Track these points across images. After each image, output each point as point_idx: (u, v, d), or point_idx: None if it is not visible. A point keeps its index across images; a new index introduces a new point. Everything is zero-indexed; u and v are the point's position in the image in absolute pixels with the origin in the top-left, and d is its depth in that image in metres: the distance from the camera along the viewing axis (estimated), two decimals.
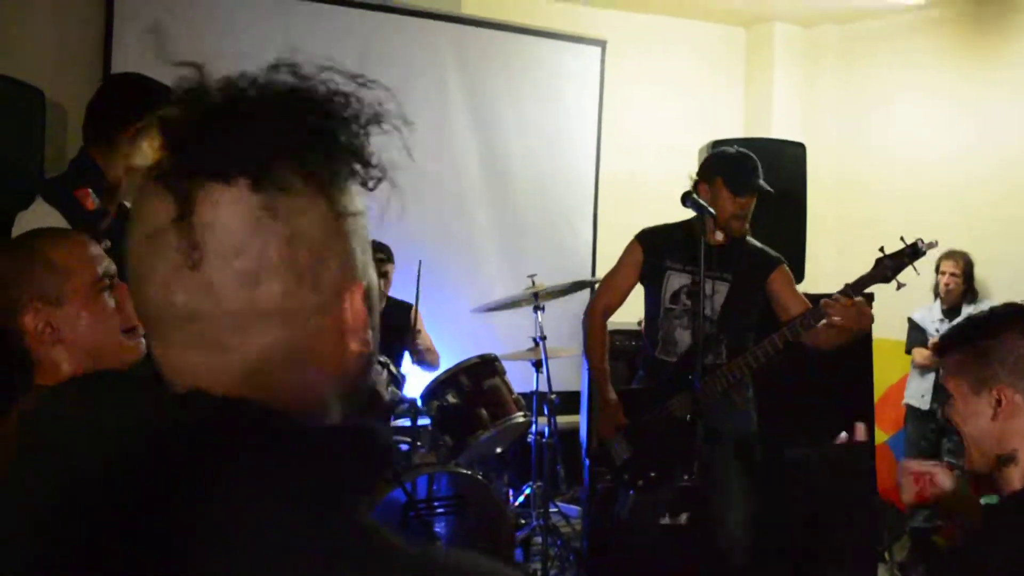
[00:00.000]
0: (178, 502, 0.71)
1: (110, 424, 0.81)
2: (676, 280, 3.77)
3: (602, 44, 6.10)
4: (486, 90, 5.69)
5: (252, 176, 0.75)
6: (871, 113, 6.92)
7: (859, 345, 4.99)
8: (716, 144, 5.47)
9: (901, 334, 6.01)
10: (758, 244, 3.80)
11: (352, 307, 0.82)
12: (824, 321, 3.39)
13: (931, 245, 3.47)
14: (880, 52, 6.88)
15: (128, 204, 2.82)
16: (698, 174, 3.78)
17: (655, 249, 3.83)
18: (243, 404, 0.77)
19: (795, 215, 5.51)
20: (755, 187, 3.66)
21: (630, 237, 3.94)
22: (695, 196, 3.54)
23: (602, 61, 6.10)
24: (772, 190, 3.73)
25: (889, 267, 3.46)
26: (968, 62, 6.41)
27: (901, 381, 6.14)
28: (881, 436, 6.01)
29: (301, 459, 0.74)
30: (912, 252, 3.45)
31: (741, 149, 3.83)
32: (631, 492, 3.87)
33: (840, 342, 3.47)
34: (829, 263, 6.39)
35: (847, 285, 3.44)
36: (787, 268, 3.83)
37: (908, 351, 6.00)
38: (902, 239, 3.48)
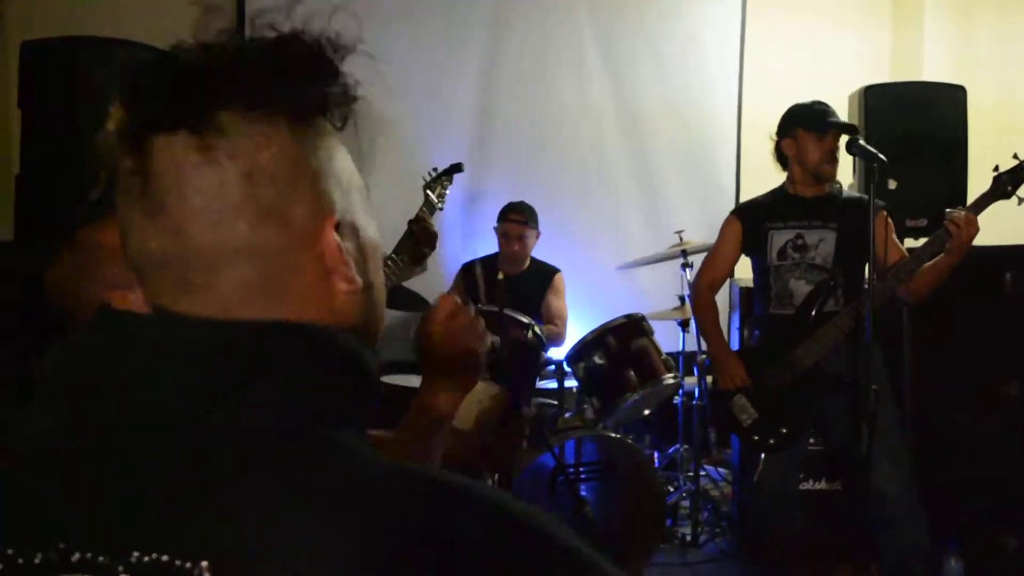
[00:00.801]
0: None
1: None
2: (780, 237, 3.76)
3: None
4: (623, 41, 5.51)
5: (191, 125, 0.76)
6: None
7: None
8: (868, 89, 5.20)
9: None
10: (854, 194, 3.82)
11: (327, 243, 0.80)
12: (948, 243, 3.39)
13: None
14: None
15: None
16: (777, 133, 3.80)
17: (752, 217, 3.85)
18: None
19: (956, 160, 5.20)
20: (834, 123, 3.68)
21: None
22: (860, 142, 3.39)
23: (743, 7, 5.83)
24: (854, 125, 3.81)
25: (1008, 182, 3.48)
26: None
27: None
28: None
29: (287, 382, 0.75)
30: None
31: (815, 101, 3.83)
32: (762, 455, 3.84)
33: (943, 274, 3.49)
34: (991, 209, 6.02)
35: (969, 205, 3.49)
36: (887, 214, 3.76)
37: None
38: (1015, 156, 3.50)
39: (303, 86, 0.79)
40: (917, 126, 5.13)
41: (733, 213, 3.98)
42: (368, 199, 0.88)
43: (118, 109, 0.79)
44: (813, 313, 3.63)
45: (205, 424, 0.72)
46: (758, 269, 3.87)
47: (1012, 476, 4.01)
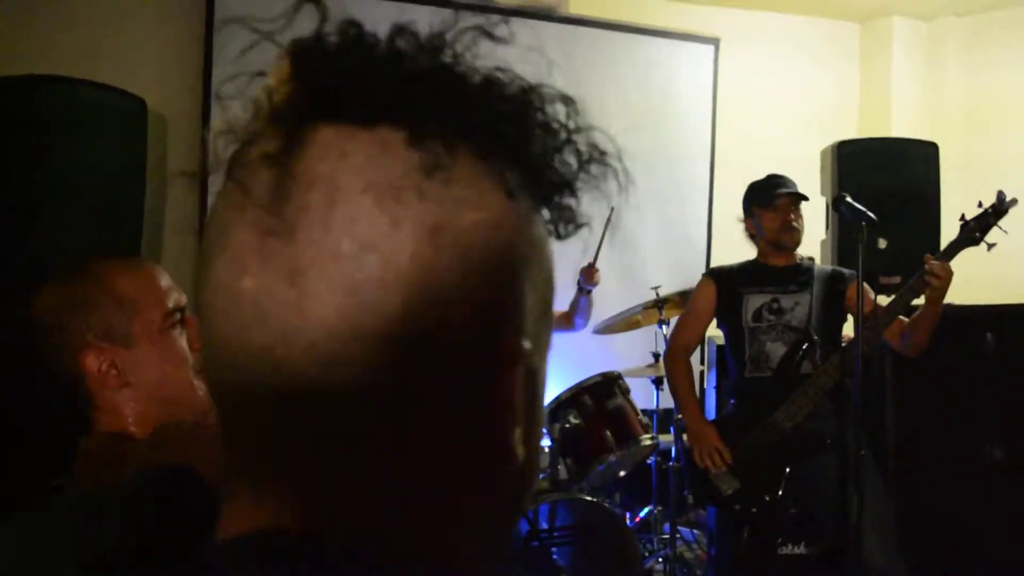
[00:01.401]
0: None
1: None
2: (754, 300, 3.74)
3: (715, 42, 5.81)
4: (594, 93, 5.44)
5: (410, 125, 0.50)
6: (1001, 108, 6.52)
7: (1018, 361, 4.61)
8: (840, 145, 5.18)
9: None
10: (827, 267, 3.90)
11: (511, 385, 0.54)
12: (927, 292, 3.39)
13: (1012, 201, 3.45)
14: (1008, 43, 6.48)
15: None
16: (743, 214, 3.88)
17: (727, 280, 3.86)
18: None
19: (928, 216, 5.19)
20: (781, 193, 3.71)
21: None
22: (848, 199, 3.35)
23: (715, 60, 5.81)
24: (803, 194, 3.77)
25: (975, 228, 3.47)
26: None
27: None
28: None
29: None
30: (995, 210, 3.45)
31: (769, 174, 3.90)
32: (746, 525, 3.73)
33: (929, 326, 3.47)
34: (965, 265, 6.01)
35: (939, 254, 3.49)
36: (863, 283, 3.70)
37: None
38: (979, 204, 3.51)
39: (561, 155, 0.57)
40: (889, 182, 5.12)
41: (707, 275, 3.98)
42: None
43: (283, 78, 0.52)
44: (791, 375, 3.57)
45: None
46: (732, 333, 3.82)
47: (999, 546, 3.92)
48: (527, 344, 0.54)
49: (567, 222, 0.59)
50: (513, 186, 0.55)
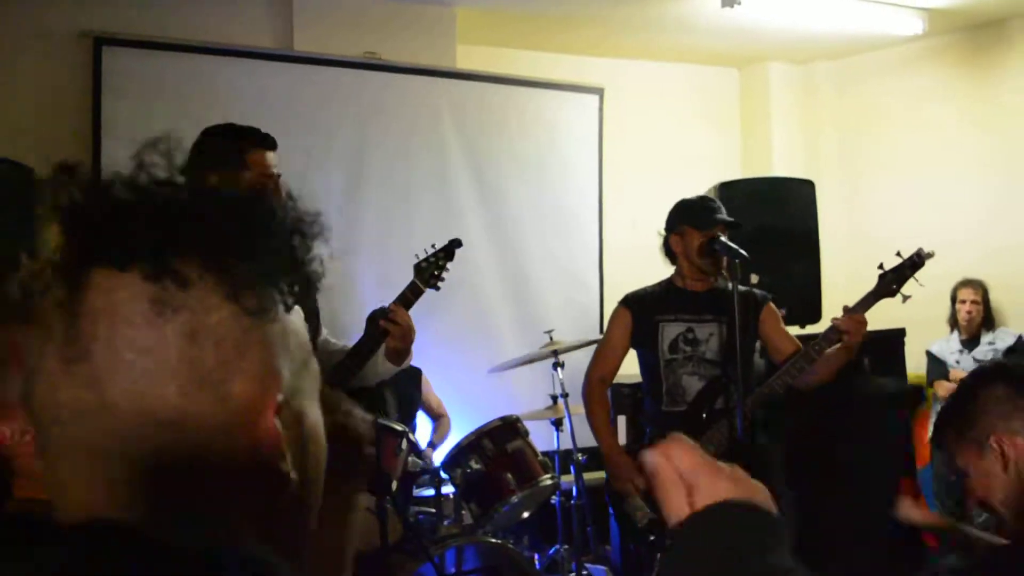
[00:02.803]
0: None
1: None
2: (671, 329, 3.78)
3: (599, 92, 6.01)
4: (486, 143, 5.59)
5: (150, 264, 0.67)
6: (875, 145, 6.88)
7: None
8: (722, 186, 5.39)
9: (921, 368, 5.89)
10: (741, 287, 3.76)
11: (265, 428, 0.70)
12: (837, 345, 3.48)
13: (929, 255, 3.55)
14: (879, 84, 6.85)
15: None
16: (666, 229, 3.86)
17: (642, 308, 3.85)
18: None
19: (808, 253, 5.43)
20: (719, 219, 3.73)
21: (636, 286, 3.96)
22: (723, 240, 3.48)
23: (600, 109, 6.00)
24: (735, 221, 3.81)
25: (893, 280, 3.57)
26: (970, 86, 6.40)
27: (924, 416, 6.00)
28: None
29: None
30: (912, 263, 3.55)
31: (701, 196, 3.97)
32: (658, 555, 3.77)
33: (835, 371, 3.59)
34: (845, 299, 6.26)
35: (855, 304, 3.56)
36: (774, 305, 3.89)
37: (929, 384, 5.88)
38: (898, 254, 3.57)
39: (272, 248, 0.72)
40: (771, 219, 5.34)
41: (622, 303, 3.94)
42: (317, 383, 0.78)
43: (56, 234, 0.68)
44: (704, 413, 3.66)
45: None
46: (648, 364, 3.85)
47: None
48: (281, 397, 0.71)
49: (301, 292, 0.74)
50: (236, 288, 0.69)
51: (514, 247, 5.69)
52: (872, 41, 6.51)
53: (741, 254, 3.44)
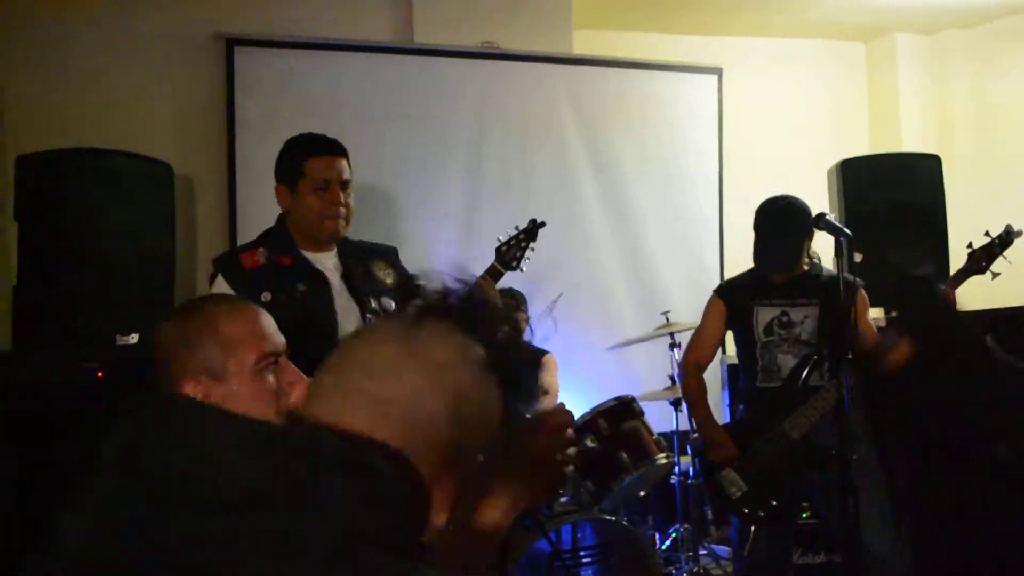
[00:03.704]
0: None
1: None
2: (765, 314, 3.86)
3: (718, 72, 5.97)
4: (604, 128, 5.63)
5: (459, 323, 1.06)
6: (1006, 116, 6.62)
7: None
8: (844, 163, 5.32)
9: None
10: (832, 270, 3.84)
11: (443, 499, 1.01)
12: None
13: (1018, 233, 3.71)
14: (1010, 53, 6.59)
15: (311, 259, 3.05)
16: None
17: (736, 295, 3.96)
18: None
19: (935, 230, 5.31)
20: (827, 223, 3.59)
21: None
22: (828, 217, 3.49)
23: (719, 89, 5.96)
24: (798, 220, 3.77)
25: (982, 258, 3.73)
26: None
27: None
28: None
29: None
30: (1001, 241, 3.71)
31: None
32: (752, 528, 3.89)
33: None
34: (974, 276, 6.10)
35: (948, 281, 3.75)
36: (864, 292, 3.90)
37: None
38: (987, 233, 3.73)
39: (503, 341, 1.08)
40: (894, 196, 5.25)
41: (716, 292, 4.06)
42: None
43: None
44: (799, 386, 3.70)
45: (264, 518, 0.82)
46: (744, 344, 3.93)
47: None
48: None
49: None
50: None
51: (634, 229, 5.72)
52: (1003, 6, 6.28)
53: (845, 232, 3.44)
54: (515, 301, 4.68)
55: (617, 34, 6.23)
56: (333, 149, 3.08)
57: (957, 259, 5.34)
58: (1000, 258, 3.71)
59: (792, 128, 6.53)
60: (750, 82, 6.36)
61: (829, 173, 5.39)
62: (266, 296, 2.93)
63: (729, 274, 5.74)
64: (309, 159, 3.02)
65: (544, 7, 5.58)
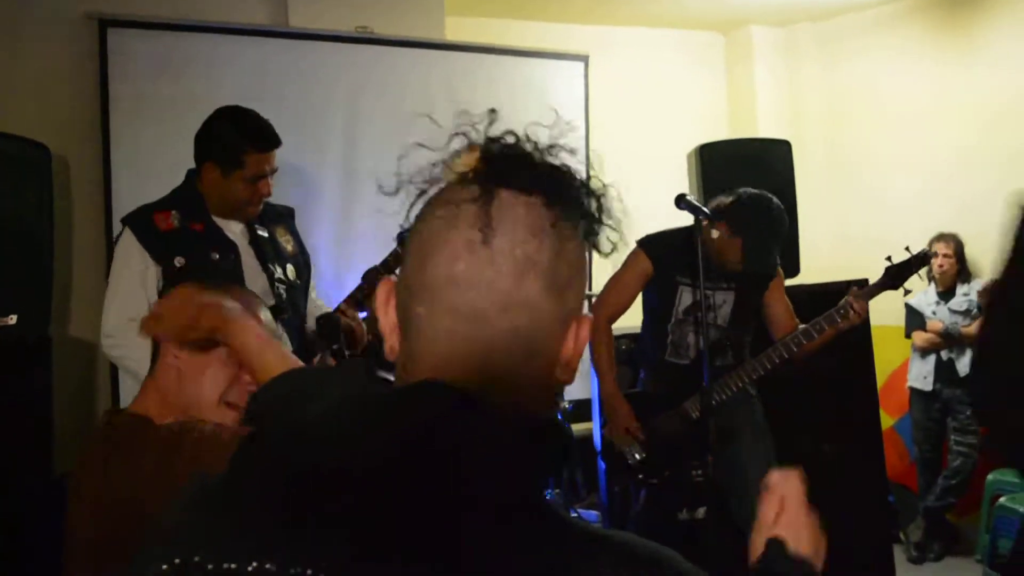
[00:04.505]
0: (409, 488, 0.83)
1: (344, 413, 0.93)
2: (688, 295, 3.91)
3: (584, 59, 6.20)
4: (476, 111, 5.78)
5: (548, 196, 0.96)
6: (855, 105, 7.06)
7: (858, 334, 5.13)
8: (702, 148, 5.61)
9: (899, 320, 6.13)
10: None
11: (577, 336, 0.98)
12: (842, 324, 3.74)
13: (934, 254, 3.96)
14: (859, 46, 7.03)
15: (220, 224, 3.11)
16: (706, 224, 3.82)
17: (663, 262, 3.92)
18: (470, 403, 0.89)
19: (786, 211, 5.62)
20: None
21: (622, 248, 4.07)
22: (688, 198, 3.66)
23: (586, 76, 6.19)
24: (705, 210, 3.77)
25: (898, 275, 3.82)
26: (947, 46, 6.56)
27: (903, 365, 6.25)
28: (888, 420, 6.12)
29: (513, 451, 0.88)
30: (918, 261, 3.83)
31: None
32: (643, 491, 4.05)
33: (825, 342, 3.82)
34: (823, 257, 6.50)
35: (862, 290, 3.80)
36: (782, 272, 4.06)
37: (908, 335, 6.12)
38: (907, 248, 3.83)
39: (600, 215, 1.01)
40: (750, 179, 5.54)
41: (641, 247, 3.93)
42: None
43: (471, 156, 0.99)
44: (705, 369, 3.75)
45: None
46: (657, 316, 3.97)
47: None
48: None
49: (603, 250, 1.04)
50: (588, 233, 1.00)
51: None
52: (853, 2, 6.69)
53: (705, 212, 3.65)
54: None
55: (488, 21, 6.41)
56: (273, 143, 3.14)
57: (807, 240, 5.73)
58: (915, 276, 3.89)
59: (656, 114, 6.83)
60: (616, 70, 6.63)
61: (688, 157, 5.66)
62: (180, 261, 3.00)
63: (596, 255, 6.00)
64: (250, 153, 3.08)
65: None
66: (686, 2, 6.46)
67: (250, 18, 5.29)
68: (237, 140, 3.08)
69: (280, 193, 5.06)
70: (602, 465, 4.90)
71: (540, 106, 6.00)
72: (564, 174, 0.98)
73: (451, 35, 5.84)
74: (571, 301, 0.96)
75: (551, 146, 1.01)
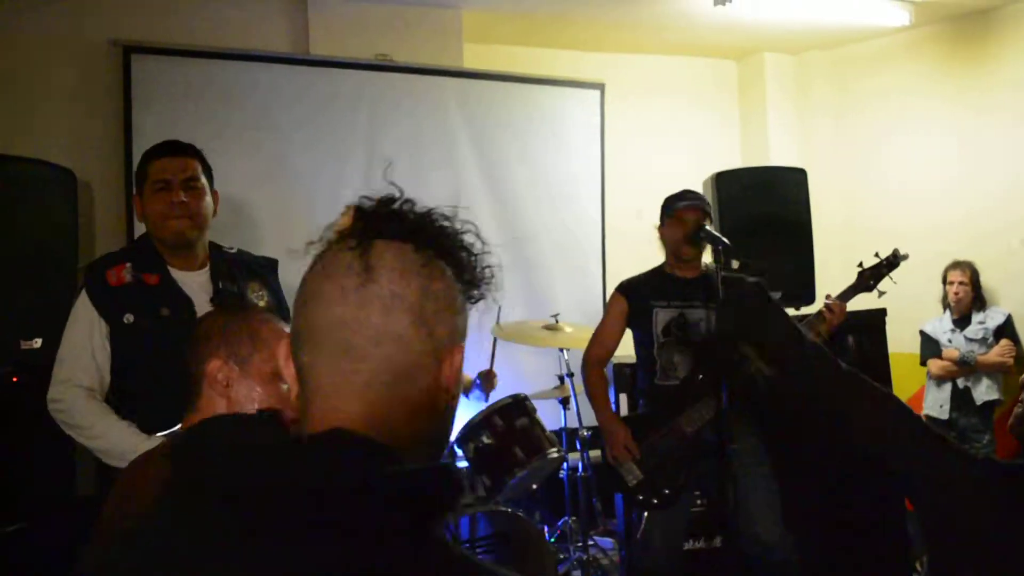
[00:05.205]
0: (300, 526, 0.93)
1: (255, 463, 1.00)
2: (663, 315, 4.07)
3: (600, 87, 6.25)
4: (493, 139, 5.84)
5: (416, 242, 1.07)
6: (866, 133, 7.09)
7: (876, 360, 5.17)
8: (718, 176, 5.65)
9: (915, 347, 6.14)
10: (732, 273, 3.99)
11: (452, 364, 1.08)
12: (823, 325, 3.88)
13: (904, 256, 3.98)
14: (869, 74, 7.07)
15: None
16: (659, 225, 4.15)
17: (637, 294, 4.15)
18: (365, 445, 1.00)
19: (802, 239, 5.67)
20: (684, 204, 4.00)
21: (637, 272, 4.25)
22: (707, 228, 3.75)
23: (602, 103, 6.25)
24: (703, 200, 4.07)
25: (870, 277, 3.99)
26: (956, 76, 6.59)
27: (919, 393, 6.26)
28: None
29: (404, 492, 0.96)
30: (889, 263, 3.97)
31: (688, 190, 4.19)
32: (645, 513, 4.12)
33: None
34: (838, 285, 6.49)
35: (837, 295, 3.97)
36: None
37: (923, 363, 6.12)
38: (876, 254, 3.99)
39: (469, 255, 1.12)
40: (765, 207, 5.60)
41: (618, 290, 4.24)
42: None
43: (350, 214, 1.11)
44: (694, 383, 3.95)
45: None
46: (643, 343, 4.14)
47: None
48: (461, 340, 1.12)
49: (473, 296, 1.14)
50: (457, 272, 1.11)
51: (522, 236, 5.93)
52: (862, 32, 6.73)
53: (723, 241, 3.69)
54: None
55: (506, 48, 6.46)
56: (175, 149, 3.02)
57: (822, 267, 5.76)
58: (887, 278, 4.00)
59: (671, 141, 6.87)
60: (631, 96, 6.68)
61: (704, 184, 5.69)
62: (128, 318, 2.88)
63: (612, 280, 6.04)
64: (151, 161, 2.99)
65: (436, 21, 5.77)
66: (700, 30, 6.51)
67: (272, 45, 5.36)
68: (142, 159, 3.05)
69: (298, 219, 5.17)
70: (619, 494, 4.92)
71: (556, 133, 6.06)
72: (430, 223, 1.09)
73: (469, 62, 5.89)
74: (440, 333, 1.06)
75: (429, 211, 1.11)
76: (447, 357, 1.07)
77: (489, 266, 1.15)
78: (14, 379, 3.56)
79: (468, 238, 1.13)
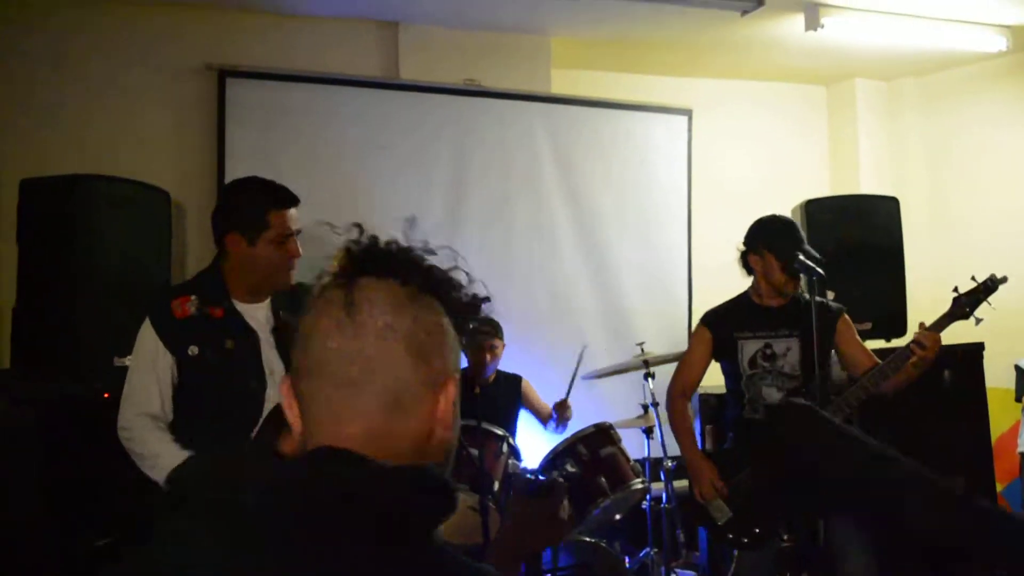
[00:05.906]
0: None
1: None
2: (750, 347, 3.97)
3: (688, 113, 6.21)
4: (579, 164, 5.83)
5: (402, 278, 1.13)
6: (959, 161, 6.93)
7: (972, 395, 5.02)
8: (809, 204, 5.56)
9: (1010, 382, 5.95)
10: (817, 299, 3.87)
11: (446, 395, 1.14)
12: (912, 359, 3.63)
13: (1003, 280, 3.72)
14: (964, 101, 6.91)
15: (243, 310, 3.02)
16: (745, 244, 4.02)
17: (722, 326, 4.04)
18: (361, 460, 1.05)
19: (893, 269, 5.56)
20: (799, 253, 3.80)
21: (724, 300, 4.16)
22: (802, 259, 3.66)
23: (689, 129, 6.21)
24: (819, 258, 3.83)
25: (966, 304, 3.72)
26: None
27: (1013, 429, 6.05)
28: (996, 486, 5.92)
29: (384, 501, 1.01)
30: (986, 288, 3.72)
31: (783, 217, 4.06)
32: (735, 552, 4.01)
33: (910, 381, 3.74)
34: (931, 315, 6.34)
35: (931, 324, 3.71)
36: (848, 316, 4.02)
37: (1018, 399, 5.93)
38: (973, 278, 3.74)
39: (460, 293, 1.18)
40: (856, 235, 5.49)
41: (703, 322, 4.13)
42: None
43: (338, 258, 1.16)
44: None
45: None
46: (730, 374, 4.04)
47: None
48: (454, 371, 1.17)
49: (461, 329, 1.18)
50: (447, 307, 1.16)
51: (608, 263, 5.92)
52: (956, 57, 6.58)
53: (819, 272, 3.62)
54: (492, 328, 4.84)
55: (593, 74, 6.44)
56: (294, 201, 3.03)
57: (914, 298, 5.62)
58: (984, 303, 3.76)
59: (759, 167, 6.78)
60: (719, 122, 6.61)
61: (793, 212, 5.60)
62: (193, 350, 2.90)
63: (698, 307, 5.96)
64: (273, 211, 2.97)
65: (524, 47, 5.79)
66: (790, 54, 6.42)
67: (362, 70, 5.42)
68: (258, 202, 2.98)
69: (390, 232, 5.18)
70: (703, 530, 4.84)
71: (643, 159, 6.03)
72: (415, 259, 1.15)
73: (556, 88, 5.90)
74: (435, 364, 1.12)
75: (411, 248, 1.17)
76: (442, 388, 1.13)
77: (477, 296, 1.19)
78: (105, 395, 3.63)
79: (457, 274, 1.18)
